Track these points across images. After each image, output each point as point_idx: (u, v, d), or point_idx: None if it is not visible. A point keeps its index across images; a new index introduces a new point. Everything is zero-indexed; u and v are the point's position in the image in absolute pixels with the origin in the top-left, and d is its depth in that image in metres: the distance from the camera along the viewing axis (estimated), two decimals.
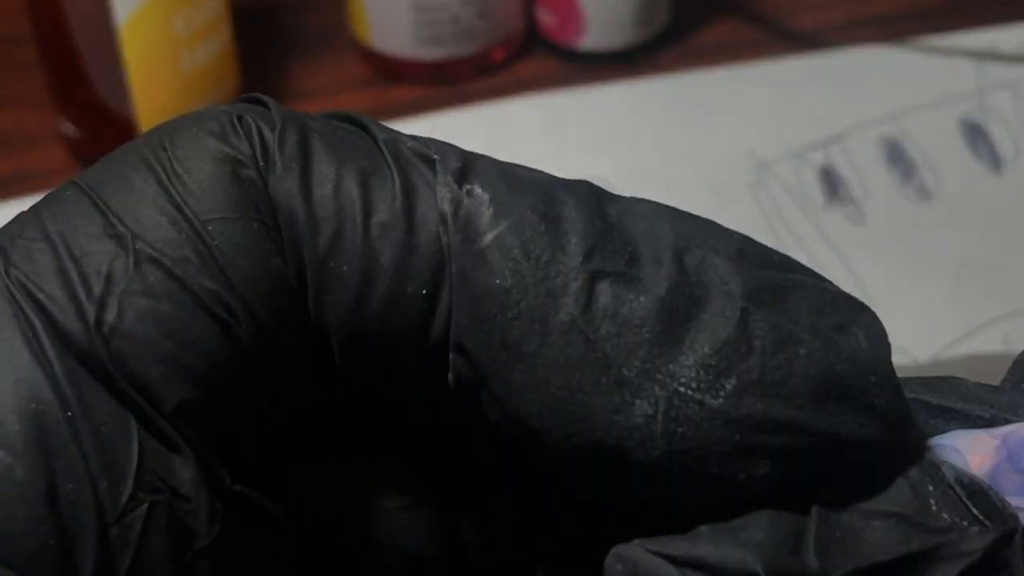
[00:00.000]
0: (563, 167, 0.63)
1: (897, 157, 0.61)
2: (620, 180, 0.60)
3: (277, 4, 0.70)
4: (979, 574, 0.18)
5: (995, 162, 0.60)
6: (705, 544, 0.18)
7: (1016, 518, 0.19)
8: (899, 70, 0.64)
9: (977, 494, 0.19)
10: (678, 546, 0.18)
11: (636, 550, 0.18)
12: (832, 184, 0.60)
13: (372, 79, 0.67)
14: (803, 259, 0.56)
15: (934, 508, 0.18)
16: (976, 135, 0.61)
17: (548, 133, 0.62)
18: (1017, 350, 0.53)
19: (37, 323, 0.18)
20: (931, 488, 0.19)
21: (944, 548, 0.18)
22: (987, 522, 0.18)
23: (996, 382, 0.55)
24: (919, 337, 0.53)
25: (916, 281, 0.56)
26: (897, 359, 0.53)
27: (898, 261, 0.57)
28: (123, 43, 0.58)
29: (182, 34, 0.59)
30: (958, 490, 0.19)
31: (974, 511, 0.19)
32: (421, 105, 0.64)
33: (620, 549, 0.18)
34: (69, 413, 0.18)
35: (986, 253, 0.57)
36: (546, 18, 0.66)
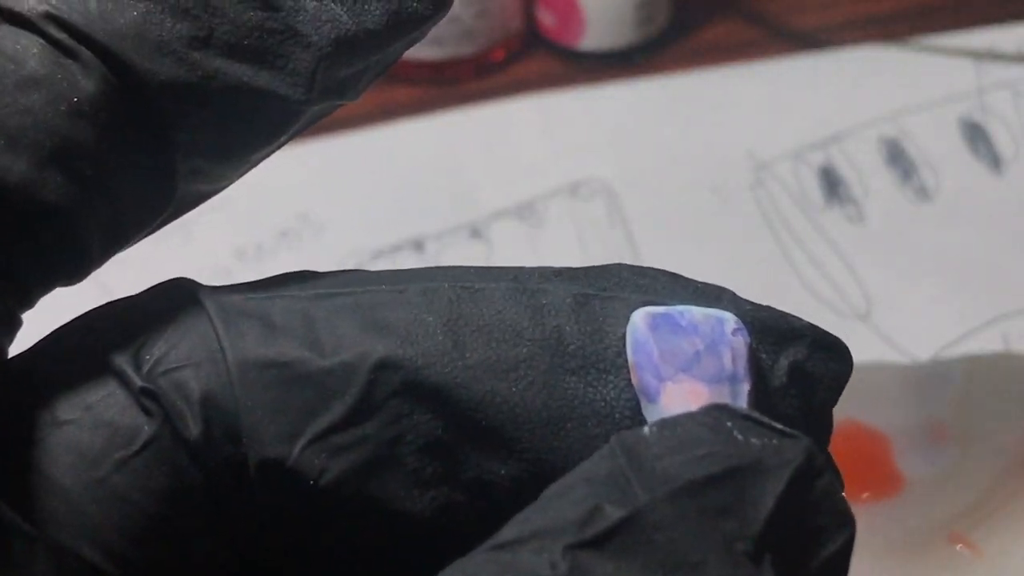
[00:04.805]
0: (563, 167, 0.63)
1: (897, 157, 0.61)
2: (620, 180, 0.60)
3: None
4: (804, 480, 0.19)
5: (995, 162, 0.60)
6: (530, 520, 0.18)
7: (808, 437, 0.19)
8: (899, 70, 0.64)
9: (777, 419, 0.19)
10: (505, 533, 0.18)
11: (463, 560, 0.18)
12: (832, 184, 0.60)
13: None
14: (803, 259, 0.57)
15: (741, 438, 0.19)
16: (976, 135, 0.61)
17: (548, 133, 0.62)
18: (1017, 350, 0.53)
19: None
20: (729, 423, 0.19)
21: (765, 461, 0.18)
22: (791, 432, 0.19)
23: (996, 382, 0.55)
24: (919, 337, 0.53)
25: (916, 281, 0.56)
26: (897, 359, 0.53)
27: (898, 261, 0.57)
28: None
29: None
30: (755, 416, 0.19)
31: (778, 427, 0.19)
32: (421, 105, 0.64)
33: (447, 570, 0.18)
34: None
35: (986, 253, 0.57)
36: (546, 18, 0.66)
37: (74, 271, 0.21)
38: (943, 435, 0.49)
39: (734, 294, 0.21)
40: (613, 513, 0.18)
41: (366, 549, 0.21)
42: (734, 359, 0.20)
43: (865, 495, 0.47)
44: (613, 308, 0.20)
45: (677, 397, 0.20)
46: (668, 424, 0.19)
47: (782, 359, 0.21)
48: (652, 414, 0.20)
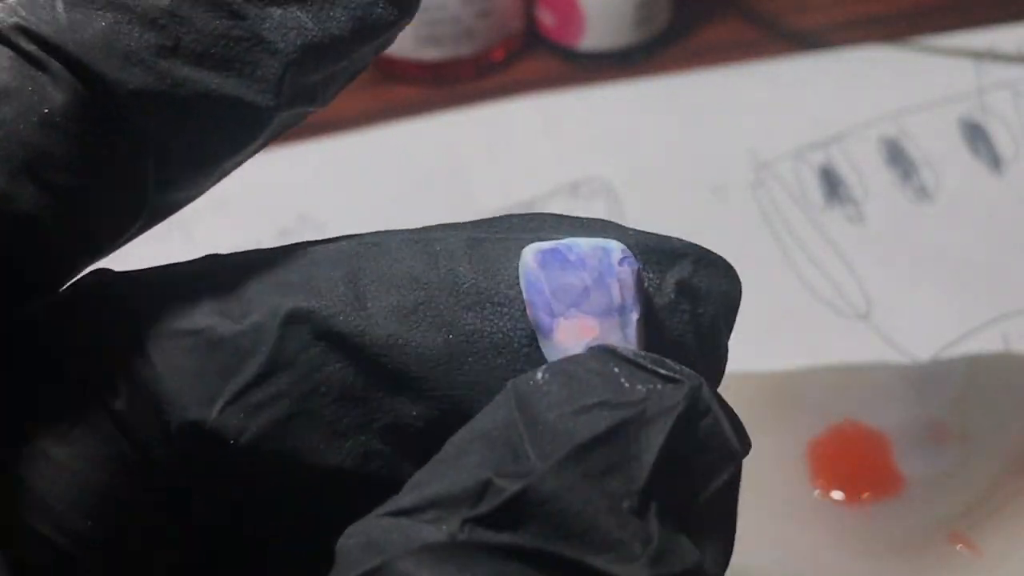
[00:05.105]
0: (563, 167, 0.63)
1: (897, 157, 0.61)
2: (620, 180, 0.60)
3: None
4: (688, 423, 0.19)
5: (995, 162, 0.60)
6: (429, 484, 0.19)
7: (696, 374, 0.20)
8: (899, 70, 0.64)
9: (657, 361, 0.20)
10: (404, 498, 0.19)
11: (367, 521, 0.19)
12: (832, 184, 0.60)
13: (372, 79, 0.67)
14: (803, 259, 0.57)
15: (627, 385, 0.19)
16: (976, 135, 0.61)
17: (548, 133, 0.62)
18: (1017, 350, 0.53)
19: None
20: (616, 369, 0.20)
21: (649, 410, 0.19)
22: (674, 375, 0.20)
23: (996, 382, 0.55)
24: (919, 337, 0.53)
25: (916, 281, 0.56)
26: (897, 359, 0.53)
27: (898, 261, 0.57)
28: None
29: None
30: (640, 361, 0.20)
31: (662, 372, 0.20)
32: (421, 105, 0.64)
33: (352, 527, 0.19)
34: None
35: (986, 253, 0.57)
36: (546, 18, 0.66)
37: (49, 283, 0.21)
38: (943, 435, 0.49)
39: (618, 224, 0.22)
40: (505, 487, 0.18)
41: (293, 504, 0.22)
42: (622, 290, 0.21)
43: (865, 495, 0.47)
44: (504, 247, 0.21)
45: (570, 332, 0.21)
46: (558, 371, 0.20)
47: (668, 277, 0.22)
48: (548, 349, 0.21)
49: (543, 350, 0.21)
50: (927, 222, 0.58)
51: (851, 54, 0.65)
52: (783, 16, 0.68)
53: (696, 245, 0.22)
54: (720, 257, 0.22)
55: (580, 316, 0.21)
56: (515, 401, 0.19)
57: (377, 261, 0.21)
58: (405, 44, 0.65)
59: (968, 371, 0.51)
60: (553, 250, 0.21)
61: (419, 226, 0.22)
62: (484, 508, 0.18)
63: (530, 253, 0.21)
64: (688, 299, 0.22)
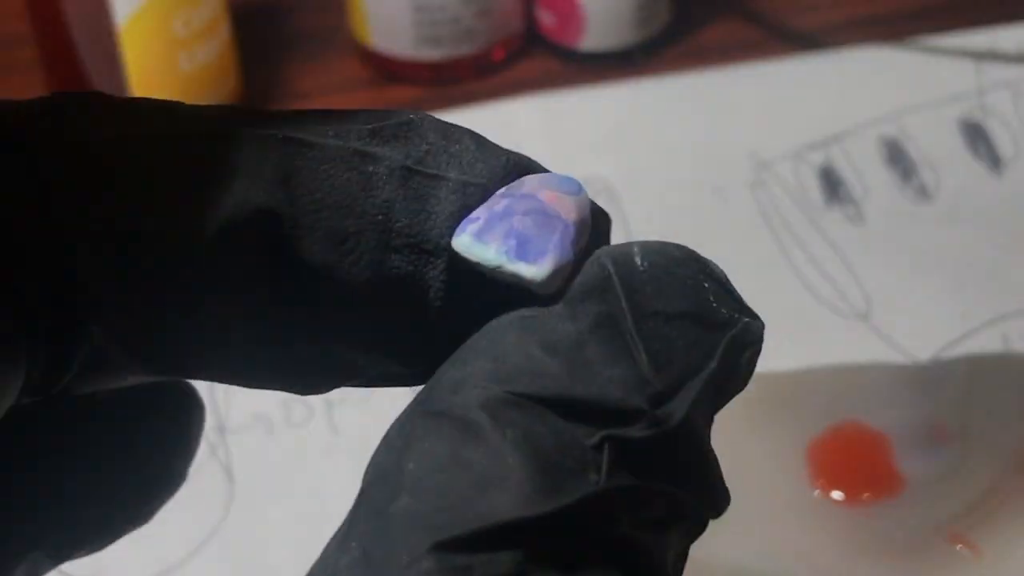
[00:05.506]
0: (563, 167, 0.62)
1: (897, 157, 0.61)
2: (620, 180, 0.60)
3: (277, 4, 0.70)
4: (750, 354, 0.20)
5: (995, 162, 0.60)
6: (562, 380, 0.19)
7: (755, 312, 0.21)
8: (899, 70, 0.64)
9: (733, 291, 0.20)
10: (538, 384, 0.19)
11: (493, 391, 0.19)
12: (832, 184, 0.60)
13: (372, 79, 0.67)
14: (803, 259, 0.56)
15: (715, 304, 0.20)
16: (976, 135, 0.61)
17: (548, 133, 0.62)
18: (1017, 350, 0.53)
19: None
20: (706, 284, 0.20)
21: (737, 340, 0.20)
22: (755, 314, 0.20)
23: (996, 382, 0.55)
24: (919, 337, 0.53)
25: (916, 281, 0.56)
26: (897, 359, 0.53)
27: (898, 261, 0.57)
28: (122, 44, 0.58)
29: (181, 35, 0.59)
30: (727, 285, 0.20)
31: (742, 303, 0.20)
32: (421, 105, 0.64)
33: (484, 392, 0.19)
34: None
35: (986, 253, 0.57)
36: (546, 18, 0.66)
37: None
38: (943, 435, 0.49)
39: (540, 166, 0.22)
40: (659, 416, 0.19)
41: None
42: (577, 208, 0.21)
43: (865, 495, 0.47)
44: (435, 188, 0.21)
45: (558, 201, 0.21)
46: (655, 257, 0.20)
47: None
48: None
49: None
50: (927, 222, 0.58)
51: (851, 54, 0.65)
52: (783, 16, 0.68)
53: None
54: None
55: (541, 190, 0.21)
56: (619, 284, 0.19)
57: (311, 171, 0.20)
58: (405, 44, 0.65)
59: (968, 371, 0.51)
60: (486, 224, 0.20)
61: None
62: (638, 432, 0.19)
63: (465, 237, 0.20)
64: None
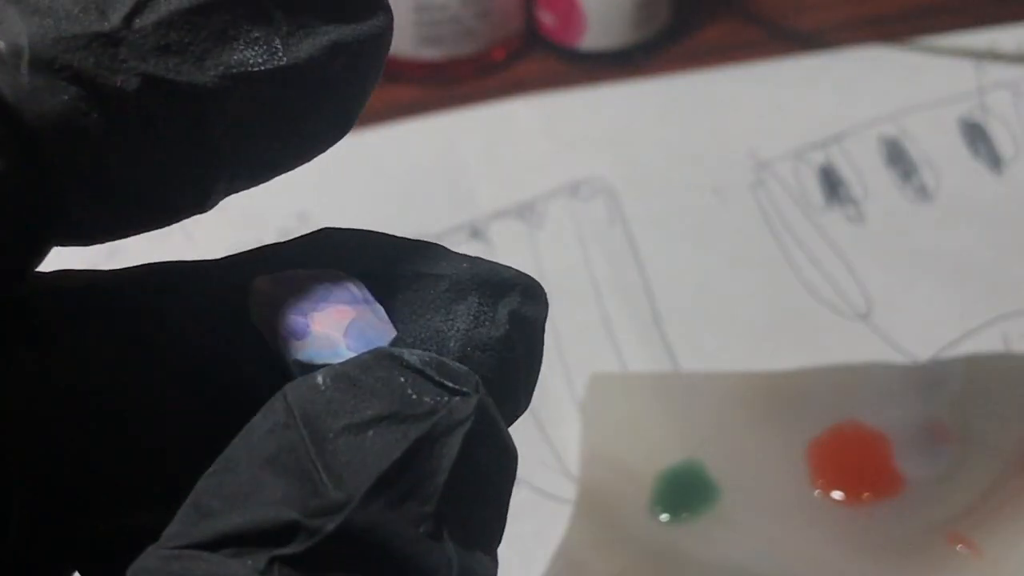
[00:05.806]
0: (563, 167, 0.63)
1: (897, 157, 0.61)
2: (620, 180, 0.60)
3: None
4: (479, 436, 0.19)
5: (995, 162, 0.60)
6: (224, 516, 0.18)
7: (478, 381, 0.19)
8: (899, 70, 0.64)
9: (441, 369, 0.19)
10: (196, 530, 0.18)
11: (157, 554, 0.18)
12: (832, 184, 0.60)
13: None
14: (803, 259, 0.57)
15: (414, 396, 0.19)
16: (976, 135, 0.61)
17: (548, 133, 0.62)
18: (1017, 350, 0.53)
19: None
20: (402, 379, 0.19)
21: (439, 425, 0.19)
22: (460, 388, 0.19)
23: (996, 382, 0.55)
24: (919, 337, 0.53)
25: (916, 281, 0.56)
26: (897, 359, 0.53)
27: (898, 261, 0.57)
28: None
29: None
30: (427, 371, 0.19)
31: (447, 384, 0.19)
32: (421, 105, 0.64)
33: (139, 562, 0.18)
34: None
35: (986, 253, 0.57)
36: (546, 18, 0.66)
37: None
38: (943, 435, 0.49)
39: (447, 249, 0.22)
40: (318, 527, 0.18)
41: None
42: (358, 288, 0.21)
43: (865, 495, 0.47)
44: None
45: (327, 320, 0.20)
46: (340, 376, 0.19)
47: (501, 308, 0.21)
48: (310, 347, 0.20)
49: (302, 355, 0.20)
50: (927, 222, 0.58)
51: (851, 54, 0.65)
52: (783, 16, 0.68)
53: (522, 274, 0.22)
54: (538, 283, 0.22)
55: (330, 306, 0.20)
56: (298, 415, 0.19)
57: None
58: (405, 44, 0.65)
59: (968, 371, 0.51)
60: (282, 272, 0.21)
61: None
62: (294, 550, 0.18)
63: (262, 280, 0.21)
64: (519, 329, 0.21)
